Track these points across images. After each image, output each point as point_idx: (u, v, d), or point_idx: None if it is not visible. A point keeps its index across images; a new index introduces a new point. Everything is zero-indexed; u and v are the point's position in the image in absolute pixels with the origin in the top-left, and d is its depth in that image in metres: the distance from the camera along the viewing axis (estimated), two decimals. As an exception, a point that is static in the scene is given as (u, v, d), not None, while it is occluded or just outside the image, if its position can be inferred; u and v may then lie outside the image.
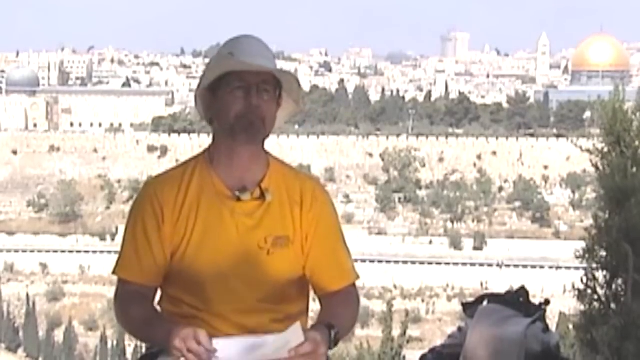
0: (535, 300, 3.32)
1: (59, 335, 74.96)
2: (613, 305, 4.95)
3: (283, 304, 2.70)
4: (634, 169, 5.07)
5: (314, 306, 2.76)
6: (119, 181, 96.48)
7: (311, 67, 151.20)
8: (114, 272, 2.73)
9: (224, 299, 2.64)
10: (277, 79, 2.69)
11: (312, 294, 2.82)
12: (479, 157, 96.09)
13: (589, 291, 5.02)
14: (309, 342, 2.44)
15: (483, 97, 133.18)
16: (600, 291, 5.00)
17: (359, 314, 2.76)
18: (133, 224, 2.72)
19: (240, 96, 2.64)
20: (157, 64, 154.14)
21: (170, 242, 2.68)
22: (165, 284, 2.72)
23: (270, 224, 2.66)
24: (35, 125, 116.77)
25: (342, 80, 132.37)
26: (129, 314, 2.68)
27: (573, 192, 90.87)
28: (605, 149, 5.19)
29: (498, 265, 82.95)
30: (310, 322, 2.71)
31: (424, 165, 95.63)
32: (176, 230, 2.67)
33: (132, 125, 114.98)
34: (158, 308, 2.79)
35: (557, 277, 71.64)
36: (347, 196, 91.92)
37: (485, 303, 3.34)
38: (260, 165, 2.71)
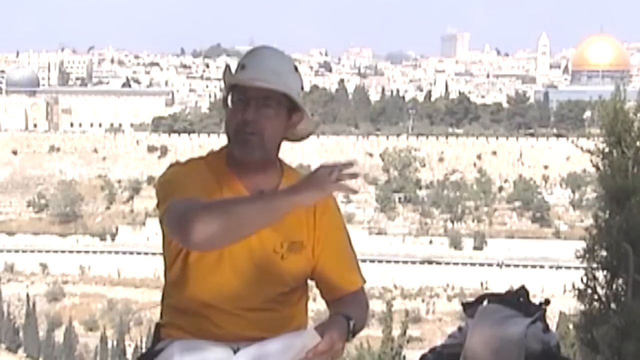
0: (535, 300, 3.31)
1: (59, 335, 74.94)
2: (613, 305, 4.96)
3: (286, 305, 2.73)
4: (635, 169, 5.07)
5: (313, 306, 2.76)
6: (119, 181, 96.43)
7: (311, 67, 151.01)
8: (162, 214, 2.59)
9: (232, 296, 2.66)
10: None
11: (311, 294, 2.83)
12: (479, 157, 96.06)
13: (589, 291, 5.03)
14: (325, 340, 2.49)
15: (483, 97, 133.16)
16: (601, 291, 5.00)
17: (368, 317, 2.78)
18: (169, 180, 2.65)
19: (240, 110, 2.66)
20: (157, 64, 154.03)
21: None
22: (174, 279, 2.72)
23: (286, 228, 2.67)
24: (35, 126, 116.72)
25: (342, 80, 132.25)
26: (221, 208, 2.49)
27: (573, 192, 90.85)
28: (606, 149, 5.19)
29: (498, 265, 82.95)
30: (310, 322, 2.72)
31: (424, 165, 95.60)
32: None
33: (132, 125, 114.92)
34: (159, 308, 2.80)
35: (557, 277, 71.68)
36: (347, 196, 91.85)
37: (485, 303, 3.34)
38: (276, 172, 2.73)
